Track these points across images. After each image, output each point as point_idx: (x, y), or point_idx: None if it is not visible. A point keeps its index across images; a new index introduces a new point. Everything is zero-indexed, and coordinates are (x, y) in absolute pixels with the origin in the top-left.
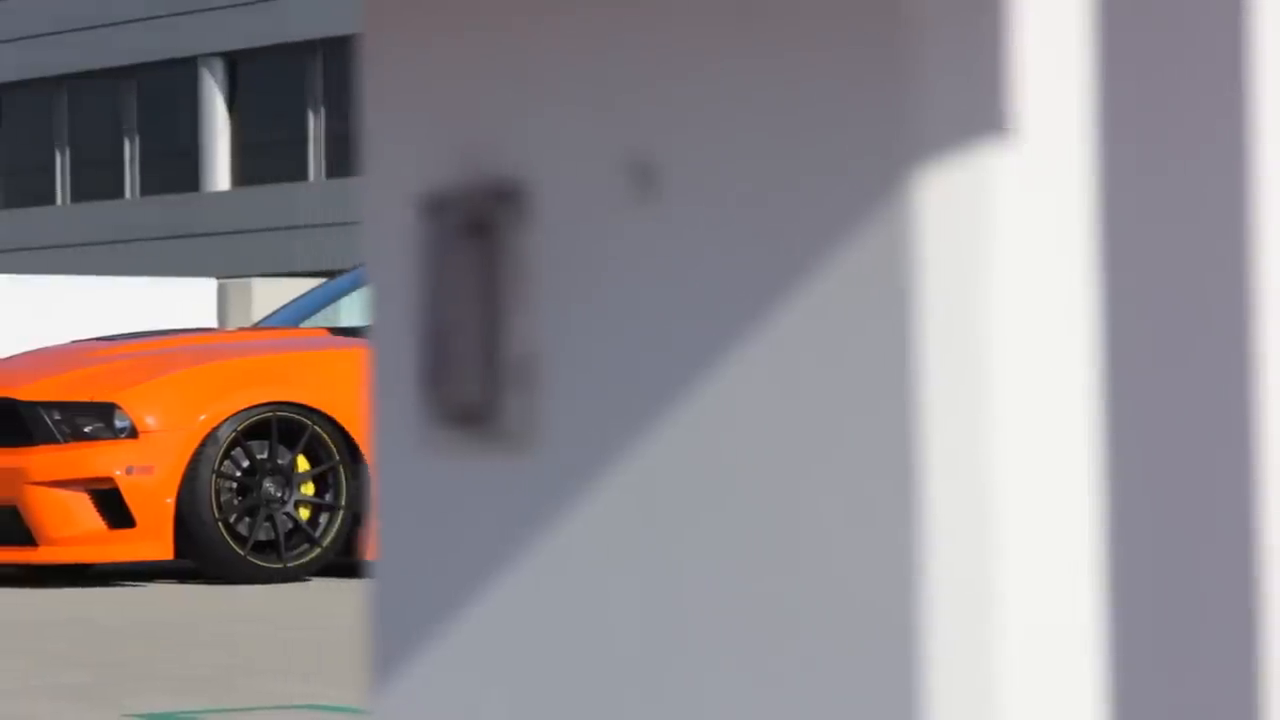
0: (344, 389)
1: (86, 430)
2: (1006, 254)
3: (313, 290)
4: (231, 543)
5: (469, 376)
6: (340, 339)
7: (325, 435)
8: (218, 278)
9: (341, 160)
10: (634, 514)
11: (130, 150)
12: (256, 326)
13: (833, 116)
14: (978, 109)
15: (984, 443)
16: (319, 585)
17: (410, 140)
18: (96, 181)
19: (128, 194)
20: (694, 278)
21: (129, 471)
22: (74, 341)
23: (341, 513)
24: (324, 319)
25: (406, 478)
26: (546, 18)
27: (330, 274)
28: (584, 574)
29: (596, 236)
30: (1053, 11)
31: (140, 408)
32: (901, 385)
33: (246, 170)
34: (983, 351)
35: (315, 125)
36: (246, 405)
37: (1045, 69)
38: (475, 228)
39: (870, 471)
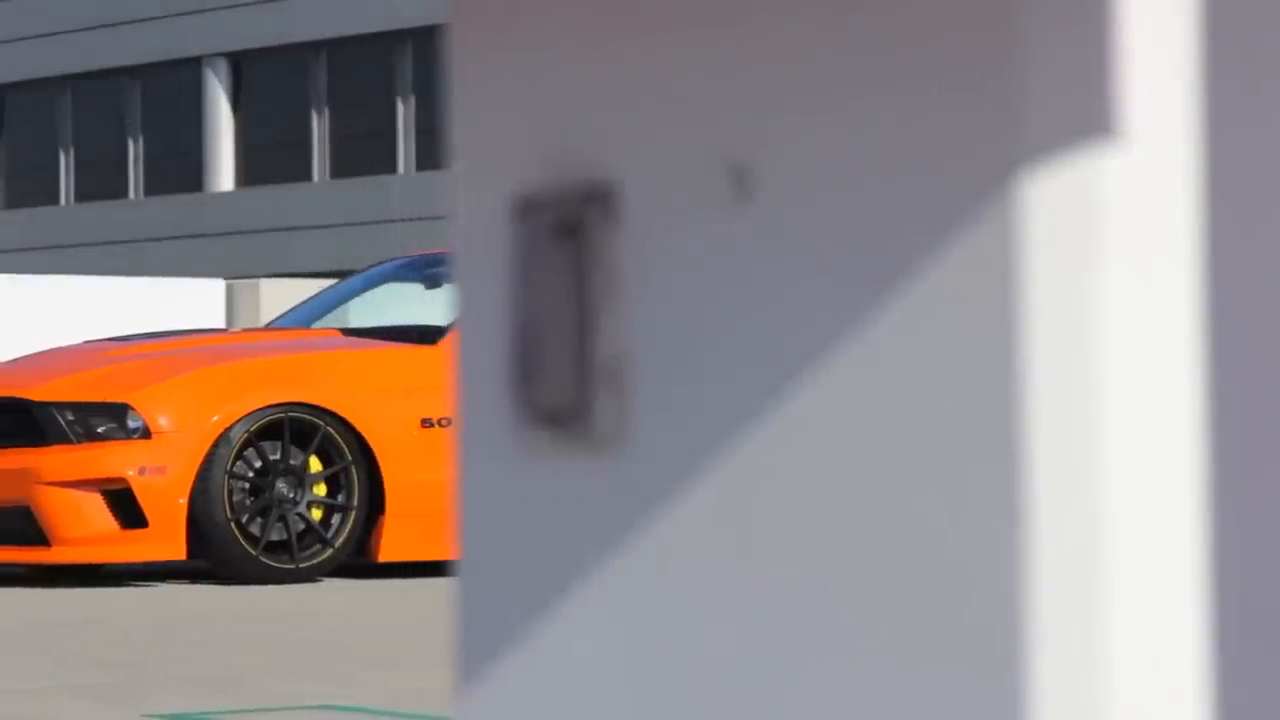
0: (356, 390)
1: (99, 430)
2: (1114, 255)
3: (324, 291)
4: (244, 543)
5: (559, 378)
6: (353, 339)
7: (337, 436)
8: (225, 278)
9: (346, 161)
10: (725, 516)
11: (134, 150)
12: (268, 327)
13: (936, 118)
14: (1085, 109)
15: (1092, 446)
16: (331, 586)
17: (500, 142)
18: (100, 182)
19: (131, 194)
20: (788, 279)
21: (142, 472)
22: (87, 342)
23: (353, 513)
24: (335, 320)
25: (493, 479)
26: (637, 18)
27: (334, 275)
28: (674, 577)
29: (688, 238)
30: (1159, 11)
31: (153, 408)
32: (1008, 388)
33: (250, 171)
34: (1091, 353)
35: (319, 126)
36: (259, 406)
37: (1152, 69)
38: (566, 229)
39: (974, 476)
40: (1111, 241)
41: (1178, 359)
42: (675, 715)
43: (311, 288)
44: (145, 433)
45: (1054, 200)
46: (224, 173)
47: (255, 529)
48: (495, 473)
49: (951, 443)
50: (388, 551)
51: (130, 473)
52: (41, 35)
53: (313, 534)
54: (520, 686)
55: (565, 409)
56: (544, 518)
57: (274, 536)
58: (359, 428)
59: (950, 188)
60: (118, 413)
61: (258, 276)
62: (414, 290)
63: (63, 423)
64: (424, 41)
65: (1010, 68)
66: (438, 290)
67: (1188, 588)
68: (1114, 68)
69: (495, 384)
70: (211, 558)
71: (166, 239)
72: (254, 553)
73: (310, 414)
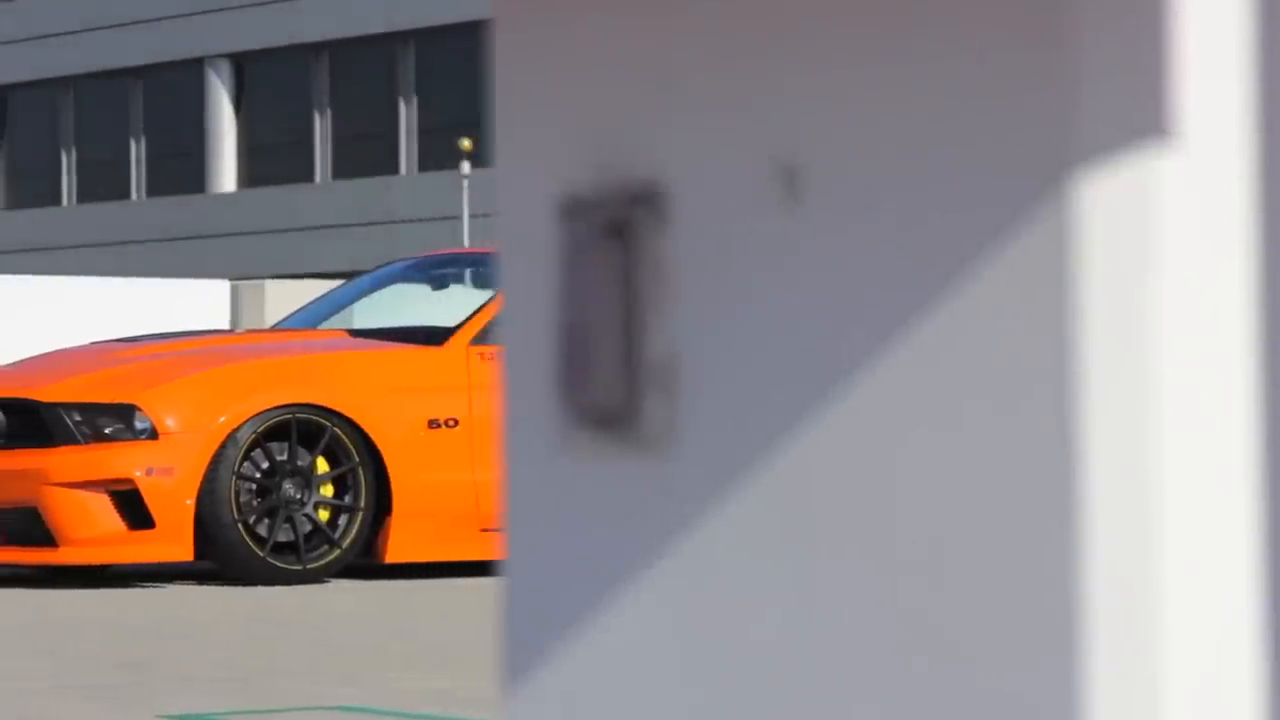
0: (364, 391)
1: (107, 431)
2: (1169, 255)
3: (330, 292)
4: (251, 544)
5: (607, 379)
6: (360, 340)
7: (344, 437)
8: (226, 279)
9: (348, 162)
10: (775, 517)
11: (136, 151)
12: (275, 328)
13: (991, 118)
14: (1140, 111)
15: (1148, 446)
16: (338, 586)
17: (546, 143)
18: (103, 182)
19: (134, 195)
20: (839, 280)
21: (149, 473)
22: (94, 343)
23: (360, 514)
24: (341, 321)
25: (540, 480)
26: (685, 18)
27: (337, 276)
28: (723, 577)
29: (737, 239)
30: (1213, 13)
31: (160, 409)
32: (1063, 388)
33: (252, 171)
34: (1146, 353)
35: (321, 127)
36: (266, 407)
37: (1207, 69)
38: (614, 230)
39: (1030, 477)
40: (1167, 242)
41: (1233, 359)
42: (725, 715)
43: (317, 289)
44: (152, 433)
45: (1109, 201)
46: (226, 174)
47: (262, 530)
48: (541, 474)
49: (1006, 444)
50: (395, 552)
51: (137, 473)
52: (44, 36)
53: (320, 535)
54: (568, 687)
55: (613, 410)
56: (591, 518)
57: (281, 537)
58: (366, 429)
59: (1005, 188)
60: (125, 413)
61: (259, 278)
62: (420, 291)
63: (70, 423)
64: (426, 43)
65: (1065, 68)
66: (444, 291)
67: (1243, 588)
68: (1169, 68)
69: (542, 385)
70: (219, 559)
71: (168, 240)
72: (261, 554)
73: (317, 415)
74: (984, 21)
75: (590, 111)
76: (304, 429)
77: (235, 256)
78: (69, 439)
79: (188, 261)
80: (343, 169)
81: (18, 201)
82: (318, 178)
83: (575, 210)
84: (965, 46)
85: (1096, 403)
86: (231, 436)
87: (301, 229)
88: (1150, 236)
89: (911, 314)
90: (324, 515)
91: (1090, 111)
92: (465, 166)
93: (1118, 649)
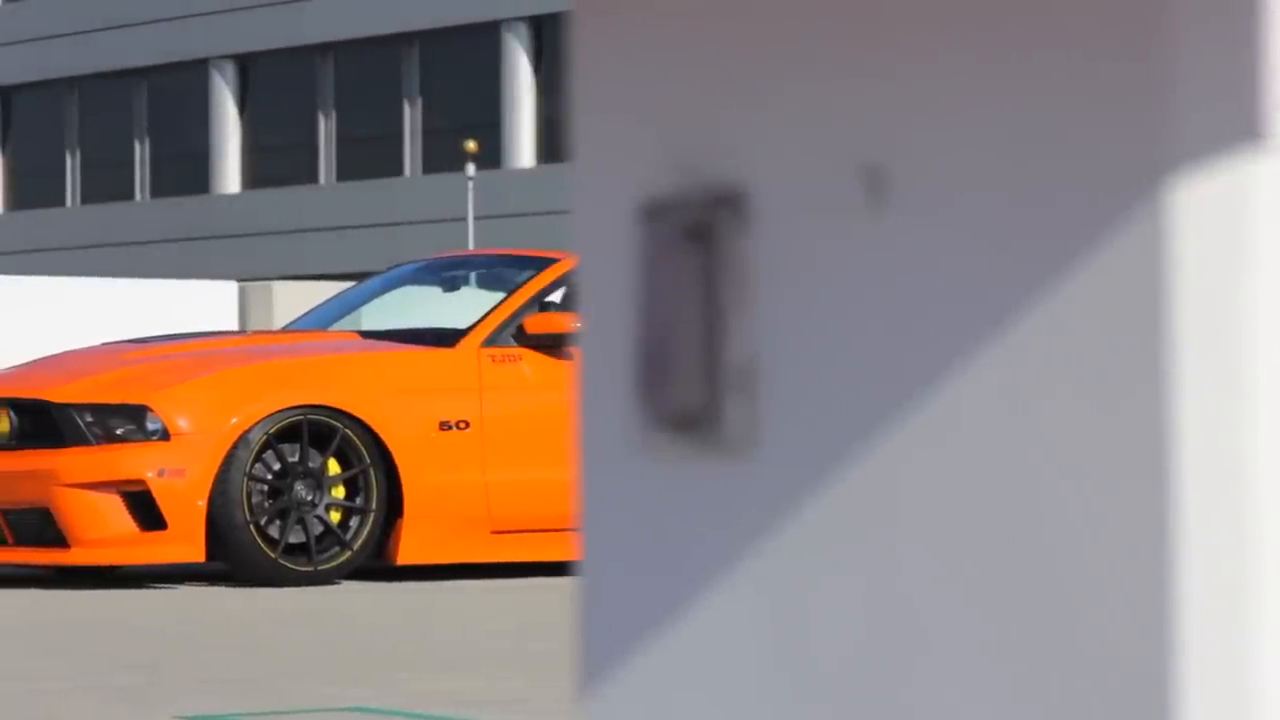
0: (375, 392)
1: (118, 432)
2: (1264, 257)
3: (341, 293)
4: (262, 545)
5: (688, 381)
6: (371, 342)
7: (356, 438)
8: (233, 280)
9: (351, 163)
10: (859, 520)
11: (140, 152)
12: (286, 330)
13: (1083, 123)
14: (1234, 114)
15: (1242, 451)
16: (349, 588)
17: (626, 145)
18: (107, 183)
19: (138, 196)
20: (926, 284)
21: (161, 474)
22: (105, 344)
23: (372, 516)
24: (352, 322)
25: (617, 482)
26: (769, 20)
27: (340, 277)
28: (806, 580)
29: (821, 241)
30: None
31: (172, 410)
32: (1157, 393)
33: (256, 173)
34: (1242, 355)
35: (326, 128)
36: (278, 408)
37: None
38: (695, 233)
39: (1122, 482)
40: (1261, 246)
41: None
42: (809, 718)
43: (324, 290)
44: (164, 434)
45: (1203, 204)
46: (230, 175)
47: (274, 531)
48: (620, 476)
49: (1097, 448)
50: (406, 554)
51: (149, 474)
52: (48, 36)
53: (331, 536)
54: (646, 690)
55: (694, 412)
56: (669, 520)
57: (292, 539)
58: (377, 430)
59: (1097, 193)
60: (137, 414)
61: (263, 279)
62: (432, 293)
63: (82, 424)
64: (431, 44)
65: (1159, 72)
66: (455, 293)
67: None
68: (1263, 71)
69: (620, 387)
70: (230, 560)
71: (172, 241)
72: (273, 555)
73: (329, 416)
74: (1076, 24)
75: (672, 114)
76: (316, 430)
77: (239, 258)
78: (81, 440)
79: (191, 263)
80: (347, 170)
81: (22, 202)
82: (322, 179)
83: (656, 212)
84: (1056, 50)
85: (1192, 405)
86: (243, 438)
87: (305, 230)
88: (1244, 239)
89: (1001, 317)
90: (335, 517)
91: (1184, 115)
92: (470, 168)
93: (1212, 650)
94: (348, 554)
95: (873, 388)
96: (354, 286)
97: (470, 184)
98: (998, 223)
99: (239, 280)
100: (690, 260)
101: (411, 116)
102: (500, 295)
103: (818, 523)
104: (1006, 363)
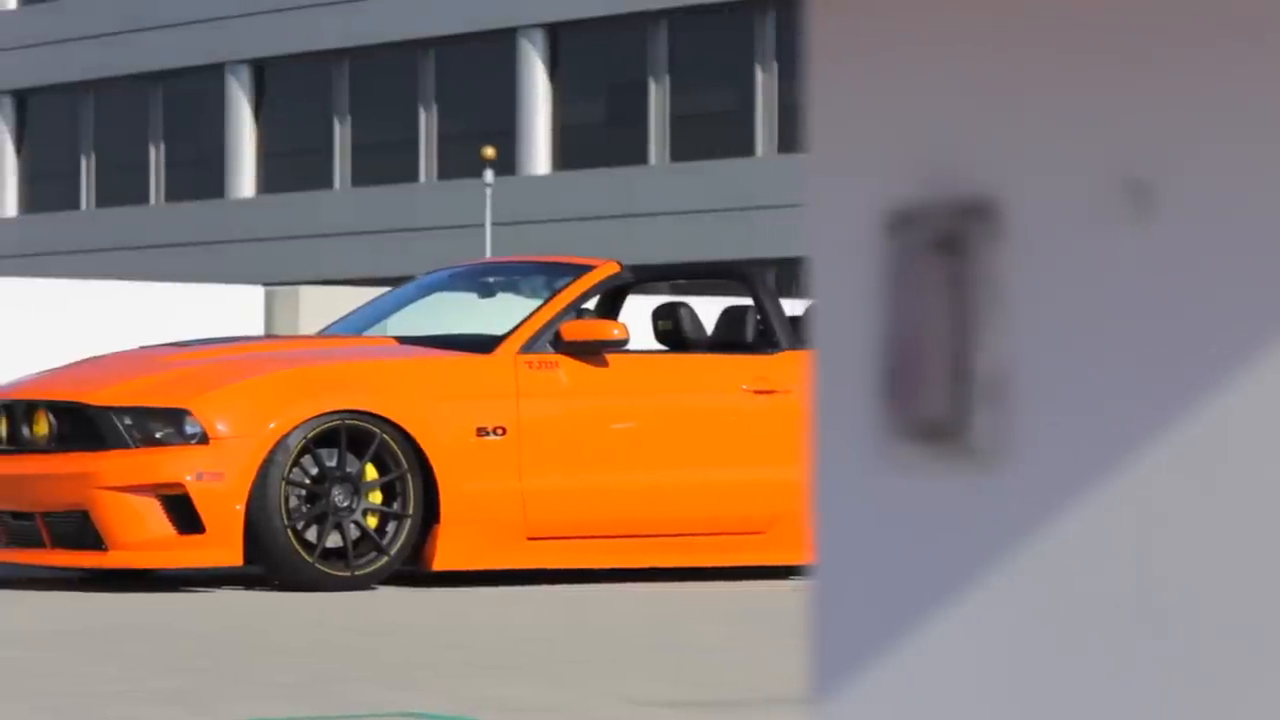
0: (413, 398)
1: (158, 436)
2: None
3: (376, 299)
4: (300, 550)
5: (935, 392)
6: (409, 348)
7: (394, 444)
8: (244, 285)
9: (368, 169)
10: (1115, 535)
11: (156, 156)
12: (323, 335)
13: None
14: None
15: None
16: (386, 593)
17: (871, 155)
18: (122, 187)
19: (153, 200)
20: (1190, 296)
21: (199, 477)
22: (144, 347)
23: (409, 521)
24: (386, 328)
25: (856, 492)
26: (1026, 29)
27: (354, 282)
28: (1058, 595)
29: (1078, 254)
30: None
31: (211, 414)
32: None
33: (272, 178)
34: None
35: (341, 133)
36: (317, 413)
37: None
38: (945, 244)
39: None
40: None
41: None
42: None
43: (351, 295)
44: (203, 438)
45: None
46: (245, 179)
47: (311, 536)
48: (858, 486)
49: None
50: (443, 560)
51: (188, 478)
52: (63, 40)
53: (368, 541)
54: (883, 701)
55: (941, 424)
56: (913, 532)
57: (329, 544)
58: (415, 436)
59: None
60: (176, 418)
61: (276, 284)
62: (467, 299)
63: (121, 427)
64: (446, 50)
65: None
66: (490, 299)
67: None
68: None
69: (861, 397)
70: (268, 564)
71: (187, 245)
72: (310, 560)
73: (367, 421)
74: None
75: (919, 123)
76: (353, 435)
77: (253, 263)
78: (120, 443)
79: (206, 267)
80: (362, 176)
81: (37, 205)
82: (337, 184)
83: (903, 223)
84: None
85: None
86: (282, 442)
87: (321, 235)
88: None
89: (1270, 327)
90: (372, 522)
91: None
92: (488, 175)
93: None
94: (384, 559)
95: (1131, 398)
96: (389, 292)
97: (489, 191)
98: (1268, 234)
99: (256, 284)
100: (939, 272)
101: (427, 123)
102: (537, 302)
103: (1070, 535)
104: (1274, 373)
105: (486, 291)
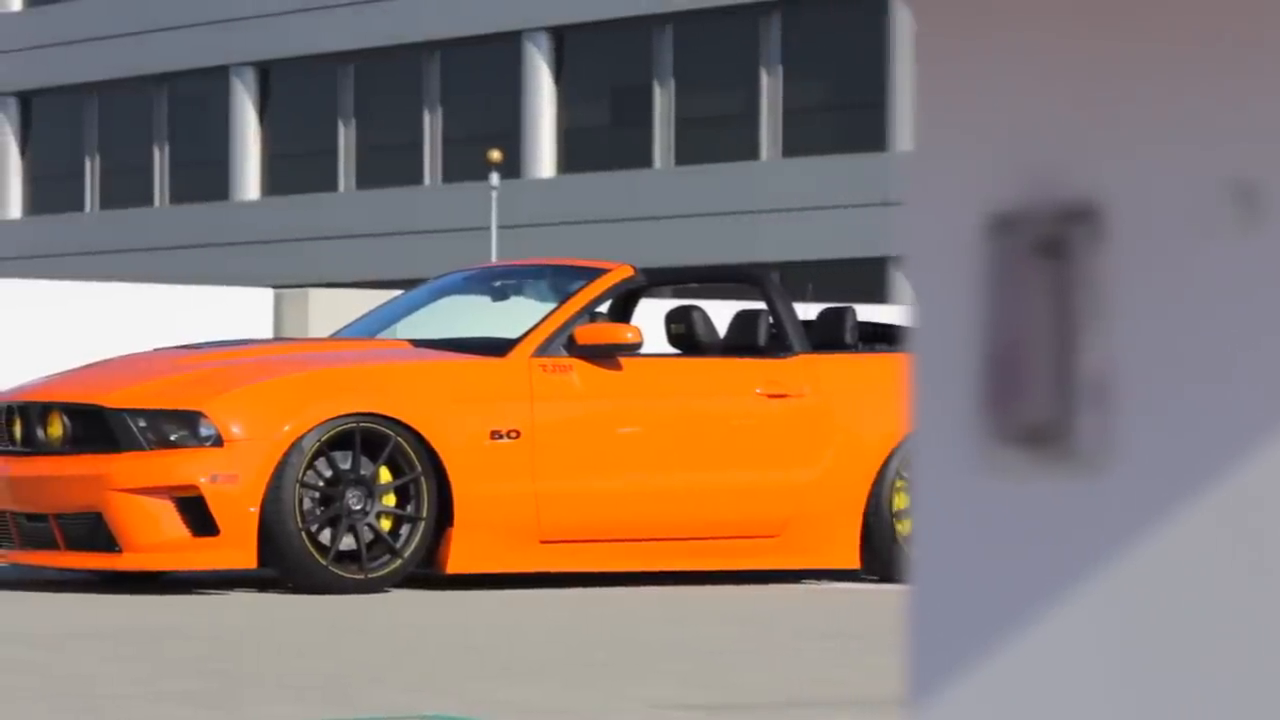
0: (427, 401)
1: (172, 438)
2: None
3: (389, 302)
4: (314, 552)
5: (1039, 396)
6: (423, 351)
7: (408, 447)
8: (263, 287)
9: (371, 172)
10: (1223, 537)
11: (160, 158)
12: (337, 337)
13: None
14: None
15: None
16: (399, 596)
17: (973, 159)
18: (126, 189)
19: (157, 202)
20: None
21: (214, 479)
22: (158, 349)
23: (422, 524)
24: (401, 330)
25: (957, 497)
26: (1128, 32)
27: (358, 285)
28: (1166, 599)
29: (1180, 256)
30: None
31: (226, 416)
32: None
33: (276, 180)
34: None
35: (346, 136)
36: (331, 415)
37: None
38: (1047, 248)
39: None
40: None
41: None
42: None
43: (361, 298)
44: (218, 440)
45: None
46: (250, 181)
47: (325, 538)
48: (959, 490)
49: None
50: (456, 563)
51: (202, 480)
52: (68, 42)
53: (381, 544)
54: (981, 707)
55: (1044, 428)
56: (1013, 536)
57: (343, 546)
58: (429, 439)
59: None
60: (190, 420)
61: (279, 286)
62: (480, 302)
63: (135, 429)
64: (452, 53)
65: None
66: (503, 303)
67: None
68: None
69: (962, 402)
70: (282, 566)
71: (191, 247)
72: (324, 562)
73: (381, 424)
74: None
75: (1021, 127)
76: (368, 438)
77: (257, 265)
78: (134, 445)
79: (210, 269)
80: (367, 179)
81: (41, 207)
82: (341, 187)
83: (1005, 227)
84: None
85: None
86: (296, 445)
87: (325, 238)
88: None
89: None
90: (386, 525)
91: None
92: (494, 178)
93: None
94: (398, 562)
95: (1236, 401)
96: (402, 294)
97: (495, 194)
98: None
99: (260, 287)
100: (1042, 275)
101: (432, 125)
102: (550, 305)
103: (1174, 539)
104: None
105: (499, 295)
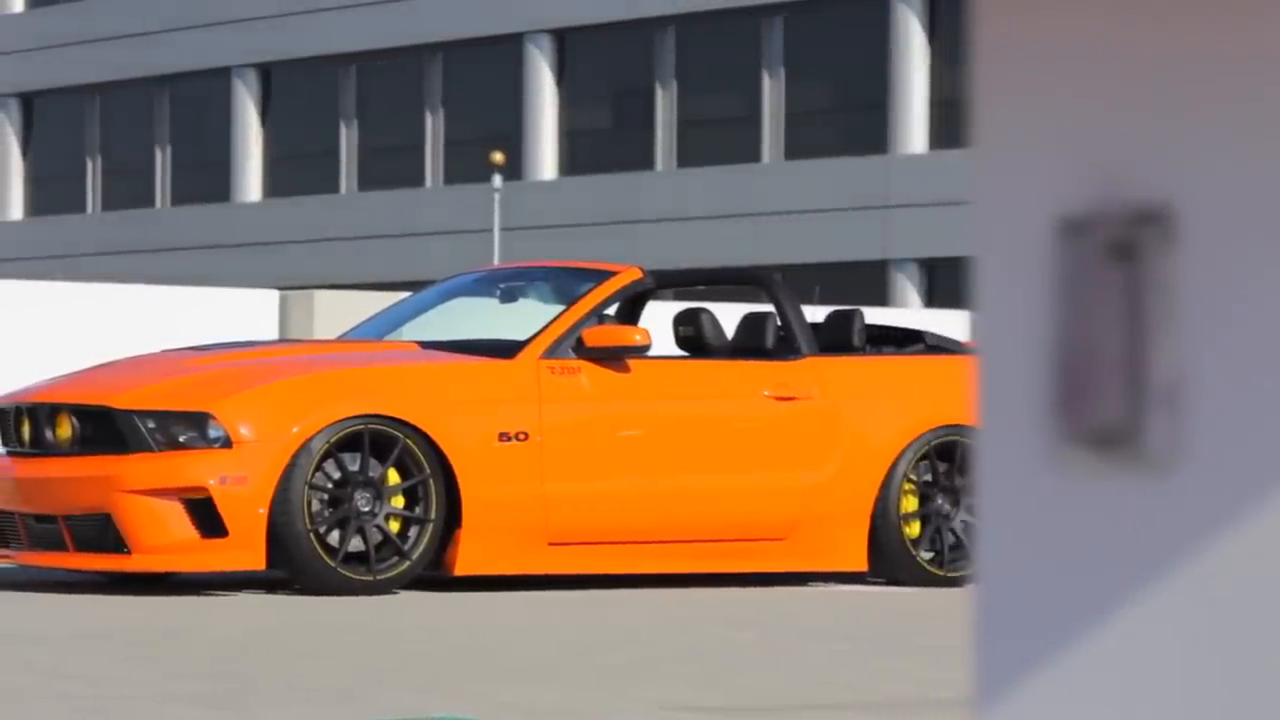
0: (435, 403)
1: (181, 439)
2: None
3: (398, 303)
4: (323, 554)
5: (1110, 398)
6: (431, 353)
7: (416, 448)
8: (264, 288)
9: (373, 173)
10: None
11: (162, 160)
12: (344, 339)
13: None
14: None
15: None
16: (407, 598)
17: (1041, 162)
18: (128, 190)
19: (158, 203)
20: None
21: (222, 481)
22: (166, 350)
23: (431, 526)
24: (408, 333)
25: (1024, 498)
26: (1190, 31)
27: (361, 287)
28: (1237, 600)
29: (1252, 259)
30: None
31: (234, 418)
32: None
33: (278, 181)
34: None
35: (347, 138)
36: (340, 417)
37: None
38: (1118, 250)
39: None
40: None
41: None
42: None
43: (366, 300)
44: (226, 442)
45: None
46: (251, 183)
47: (333, 540)
48: (1026, 492)
49: None
50: (464, 565)
51: (211, 482)
52: (69, 43)
53: (390, 546)
54: (1049, 707)
55: (1114, 430)
56: (1082, 537)
57: (351, 548)
58: (437, 440)
59: None
60: (199, 422)
61: (281, 288)
62: (488, 304)
63: (144, 431)
64: (454, 55)
65: None
66: (511, 305)
67: None
68: None
69: (1030, 403)
70: (290, 568)
71: (193, 248)
72: (332, 564)
73: (389, 426)
74: None
75: (1091, 129)
76: (376, 440)
77: (259, 266)
78: (143, 446)
79: (211, 270)
80: (368, 180)
81: (43, 208)
82: (343, 188)
83: (1075, 229)
84: None
85: None
86: (305, 446)
87: (327, 240)
88: None
89: None
90: (394, 526)
91: None
92: (496, 180)
93: None
94: (406, 564)
95: None
96: (410, 296)
97: (497, 196)
98: None
99: (261, 288)
100: (1113, 277)
101: (433, 127)
102: (558, 307)
103: (1246, 540)
104: None
105: (507, 297)
